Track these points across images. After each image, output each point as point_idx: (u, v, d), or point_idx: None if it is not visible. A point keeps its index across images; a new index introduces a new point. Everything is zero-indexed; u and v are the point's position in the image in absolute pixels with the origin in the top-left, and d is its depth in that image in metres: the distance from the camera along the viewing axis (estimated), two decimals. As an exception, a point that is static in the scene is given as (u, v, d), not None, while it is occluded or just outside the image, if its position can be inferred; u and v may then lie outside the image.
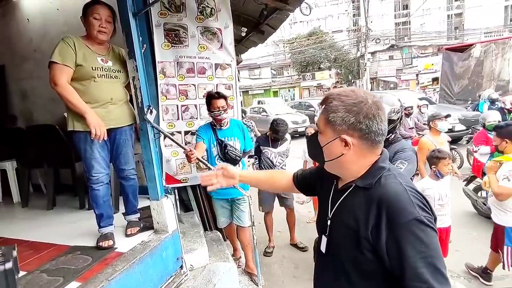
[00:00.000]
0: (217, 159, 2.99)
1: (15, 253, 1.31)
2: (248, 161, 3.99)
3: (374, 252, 0.95)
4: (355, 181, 1.04)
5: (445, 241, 3.01)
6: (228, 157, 2.94)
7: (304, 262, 3.82)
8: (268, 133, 3.91)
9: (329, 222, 1.11)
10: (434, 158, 3.04)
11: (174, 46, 3.08)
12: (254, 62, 31.51)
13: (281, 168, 3.84)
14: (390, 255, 0.92)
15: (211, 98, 2.90)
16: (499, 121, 5.02)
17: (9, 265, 1.24)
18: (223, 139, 2.97)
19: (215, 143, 2.96)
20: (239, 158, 3.03)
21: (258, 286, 2.90)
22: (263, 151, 3.81)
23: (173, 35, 3.06)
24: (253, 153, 3.93)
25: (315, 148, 1.11)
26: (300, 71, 31.51)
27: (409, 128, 6.50)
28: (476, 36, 26.93)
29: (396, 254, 0.90)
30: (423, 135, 6.29)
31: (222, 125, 2.98)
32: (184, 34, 3.11)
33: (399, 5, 32.03)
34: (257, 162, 3.88)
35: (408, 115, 6.54)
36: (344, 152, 1.02)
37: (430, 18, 30.31)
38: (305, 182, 1.40)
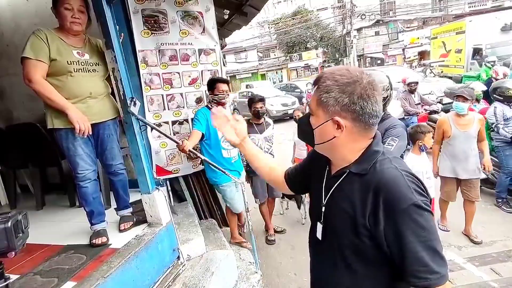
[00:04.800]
0: (223, 141, 3.02)
1: (19, 217, 1.38)
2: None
3: (372, 238, 0.94)
4: (349, 167, 1.01)
5: (432, 211, 3.13)
6: None
7: (300, 243, 3.86)
8: (250, 119, 3.82)
9: (323, 209, 1.09)
10: (420, 133, 3.17)
11: (154, 33, 2.97)
12: (239, 46, 31.05)
13: (270, 154, 3.79)
14: (389, 241, 0.91)
15: (217, 81, 2.95)
16: (482, 91, 5.04)
17: (7, 225, 1.31)
18: None
19: None
20: None
21: (254, 263, 2.91)
22: (250, 139, 3.69)
23: (152, 21, 2.95)
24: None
25: (305, 131, 1.07)
26: (286, 52, 31.15)
27: (415, 104, 6.34)
28: (460, 7, 26.92)
29: (396, 240, 0.90)
30: (431, 111, 6.20)
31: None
32: (164, 20, 3.00)
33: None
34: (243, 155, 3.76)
35: (412, 91, 6.38)
36: (337, 135, 0.98)
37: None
38: (297, 176, 1.34)
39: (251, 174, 3.80)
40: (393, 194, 0.90)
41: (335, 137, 0.99)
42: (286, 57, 31.14)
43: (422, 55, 22.00)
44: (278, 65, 31.63)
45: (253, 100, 3.71)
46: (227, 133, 1.37)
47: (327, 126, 0.99)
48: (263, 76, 31.51)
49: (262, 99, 3.73)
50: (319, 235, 1.12)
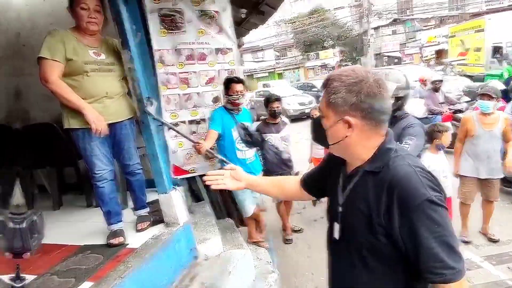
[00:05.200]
0: (238, 142, 3.02)
1: (35, 217, 1.41)
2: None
3: (388, 237, 0.95)
4: (363, 166, 1.03)
5: (450, 210, 3.09)
6: (252, 140, 3.04)
7: (317, 242, 3.80)
8: (266, 118, 3.80)
9: (340, 209, 1.09)
10: (437, 132, 3.12)
11: (171, 33, 2.95)
12: (256, 45, 31.15)
13: (288, 155, 3.77)
14: (404, 238, 0.92)
15: (231, 82, 2.93)
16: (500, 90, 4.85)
17: (22, 225, 1.35)
18: (245, 123, 3.03)
19: (234, 127, 2.97)
20: (260, 140, 3.15)
21: (271, 263, 2.88)
22: (267, 139, 3.64)
23: (169, 21, 2.93)
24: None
25: (319, 133, 1.09)
26: (303, 51, 31.06)
27: (439, 103, 6.14)
28: (478, 5, 26.20)
29: (410, 237, 0.91)
30: (456, 110, 6.02)
31: (239, 109, 3.03)
32: (181, 19, 2.97)
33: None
34: (261, 154, 3.69)
35: (436, 89, 6.21)
36: (348, 134, 1.00)
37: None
38: (314, 180, 1.35)
39: (267, 174, 3.76)
40: (406, 190, 0.91)
41: (346, 136, 1.00)
42: (303, 56, 30.99)
43: (440, 53, 21.58)
44: (295, 64, 31.57)
45: (269, 100, 3.68)
46: (229, 185, 1.39)
47: (338, 126, 1.01)
48: (280, 75, 31.51)
49: (278, 99, 3.69)
50: (336, 235, 1.12)
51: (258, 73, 31.74)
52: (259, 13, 4.98)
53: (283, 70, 31.97)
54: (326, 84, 1.02)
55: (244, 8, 4.80)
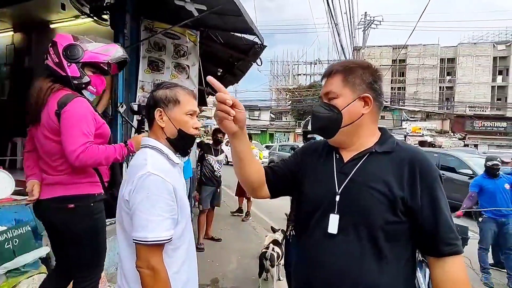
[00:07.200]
0: None
1: None
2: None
3: (407, 211, 1.00)
4: (373, 148, 1.08)
5: None
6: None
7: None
8: (210, 144, 5.12)
9: (337, 198, 1.06)
10: None
11: (153, 72, 4.47)
12: (255, 104, 33.79)
13: (219, 174, 5.00)
14: (424, 206, 1.00)
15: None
16: None
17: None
18: None
19: None
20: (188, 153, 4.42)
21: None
22: (206, 158, 4.91)
23: (154, 65, 4.47)
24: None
25: (329, 117, 1.09)
26: (297, 118, 33.39)
27: None
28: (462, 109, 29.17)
29: (431, 203, 1.00)
30: None
31: None
32: (162, 65, 4.52)
33: (396, 72, 34.46)
34: (200, 168, 4.92)
35: None
36: (364, 112, 1.07)
37: (424, 87, 32.61)
38: (283, 176, 1.25)
39: (200, 184, 4.98)
40: (426, 165, 1.04)
41: (363, 114, 1.07)
42: (296, 122, 33.27)
43: (422, 144, 23.27)
44: (287, 128, 33.79)
45: (216, 130, 5.10)
46: (230, 125, 1.03)
47: (356, 105, 1.06)
48: (271, 136, 33.46)
49: (222, 131, 5.09)
50: (333, 228, 1.05)
51: (251, 129, 33.65)
52: (231, 74, 6.61)
53: (275, 131, 34.21)
54: (337, 68, 1.10)
55: (220, 68, 6.42)
